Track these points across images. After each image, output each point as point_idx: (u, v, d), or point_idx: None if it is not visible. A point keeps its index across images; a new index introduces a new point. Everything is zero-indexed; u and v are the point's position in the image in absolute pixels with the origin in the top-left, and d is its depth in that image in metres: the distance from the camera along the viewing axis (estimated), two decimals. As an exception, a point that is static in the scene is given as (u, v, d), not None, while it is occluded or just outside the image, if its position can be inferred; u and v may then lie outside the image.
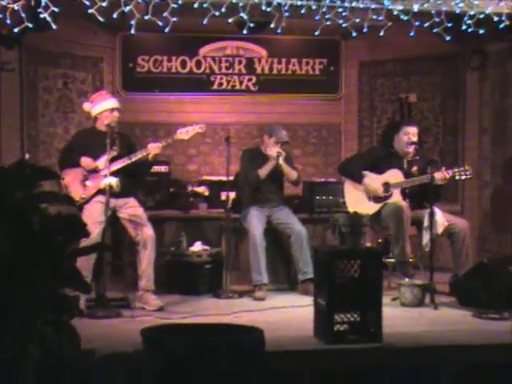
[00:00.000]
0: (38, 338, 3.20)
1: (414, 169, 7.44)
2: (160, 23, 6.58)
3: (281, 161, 7.56)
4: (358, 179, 7.54)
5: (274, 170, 7.60)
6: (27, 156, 7.65)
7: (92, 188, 6.69)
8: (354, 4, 6.75)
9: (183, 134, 6.98)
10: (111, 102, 6.92)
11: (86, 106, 6.98)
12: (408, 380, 4.98)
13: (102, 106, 6.87)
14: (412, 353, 5.15)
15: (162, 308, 6.56)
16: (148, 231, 6.70)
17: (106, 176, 6.57)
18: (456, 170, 7.12)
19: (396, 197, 7.38)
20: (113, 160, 6.67)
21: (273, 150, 7.56)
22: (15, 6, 6.41)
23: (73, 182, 6.71)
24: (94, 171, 6.73)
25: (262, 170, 7.56)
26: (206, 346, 3.84)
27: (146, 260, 6.66)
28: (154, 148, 6.79)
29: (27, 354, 3.05)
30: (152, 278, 6.71)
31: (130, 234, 6.79)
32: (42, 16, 6.36)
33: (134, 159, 6.76)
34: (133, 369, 4.16)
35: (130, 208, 6.77)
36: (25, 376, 3.01)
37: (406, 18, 6.82)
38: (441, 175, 7.02)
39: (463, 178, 7.14)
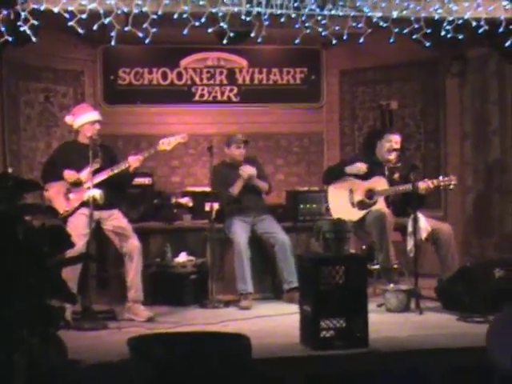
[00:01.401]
0: (25, 349, 3.19)
1: (396, 175, 7.49)
2: (140, 34, 6.58)
3: (254, 181, 7.67)
4: (341, 173, 7.59)
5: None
6: (10, 170, 7.63)
7: (75, 201, 6.68)
8: (333, 12, 6.77)
9: (165, 144, 6.98)
10: (92, 115, 6.92)
11: (68, 118, 6.98)
12: (395, 384, 5.00)
13: (84, 119, 6.86)
14: (398, 357, 5.17)
15: (152, 319, 6.55)
16: (134, 242, 6.70)
17: (89, 188, 6.57)
18: (441, 179, 7.17)
19: (380, 204, 7.41)
20: (96, 172, 6.67)
21: (244, 172, 7.61)
22: (-5, 20, 6.41)
23: (56, 196, 6.70)
24: (78, 184, 6.72)
25: (233, 187, 7.61)
26: (193, 353, 3.84)
27: (134, 271, 6.67)
28: (134, 161, 6.79)
29: (14, 364, 3.04)
30: (140, 289, 6.71)
31: (115, 246, 6.79)
32: (21, 29, 6.35)
33: (116, 171, 6.76)
34: (119, 378, 4.16)
35: (115, 220, 6.78)
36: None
37: (385, 24, 6.85)
38: (425, 185, 7.07)
39: (449, 187, 7.20)
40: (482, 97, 8.55)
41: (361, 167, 7.49)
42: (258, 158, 8.19)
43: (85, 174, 6.68)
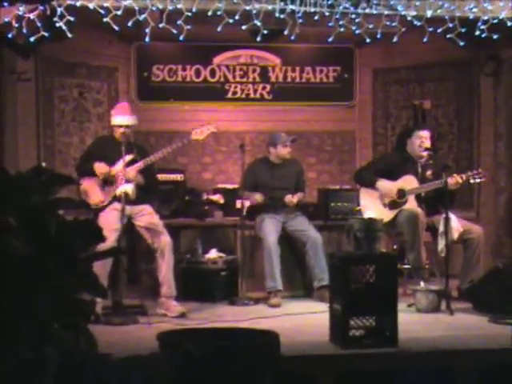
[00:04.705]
0: (56, 340, 3.22)
1: (429, 173, 7.45)
2: (174, 31, 6.63)
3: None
4: (372, 185, 7.55)
5: (285, 179, 7.70)
6: (44, 164, 7.69)
7: (110, 193, 6.72)
8: (367, 10, 6.77)
9: (198, 134, 7.02)
10: (121, 119, 6.84)
11: (112, 112, 7.04)
12: (424, 384, 4.99)
13: (114, 121, 6.91)
14: (428, 357, 5.14)
15: (184, 314, 6.58)
16: (165, 238, 6.73)
17: (122, 182, 6.62)
18: (469, 173, 7.14)
19: (411, 203, 7.38)
20: (129, 166, 6.71)
21: (292, 201, 7.64)
22: (31, 16, 6.47)
23: (92, 188, 6.74)
24: (111, 180, 6.75)
25: (250, 196, 7.66)
26: (222, 349, 3.86)
27: (165, 267, 6.70)
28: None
29: (45, 355, 3.07)
30: (173, 285, 6.74)
31: (146, 242, 6.83)
32: (57, 25, 6.42)
33: (152, 159, 6.80)
34: (149, 371, 4.20)
35: (147, 215, 6.81)
36: (42, 377, 3.04)
37: (419, 23, 6.83)
38: (454, 180, 7.04)
39: (477, 180, 7.15)
40: (516, 97, 8.48)
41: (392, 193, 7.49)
42: (300, 162, 8.22)
43: (118, 168, 6.71)
